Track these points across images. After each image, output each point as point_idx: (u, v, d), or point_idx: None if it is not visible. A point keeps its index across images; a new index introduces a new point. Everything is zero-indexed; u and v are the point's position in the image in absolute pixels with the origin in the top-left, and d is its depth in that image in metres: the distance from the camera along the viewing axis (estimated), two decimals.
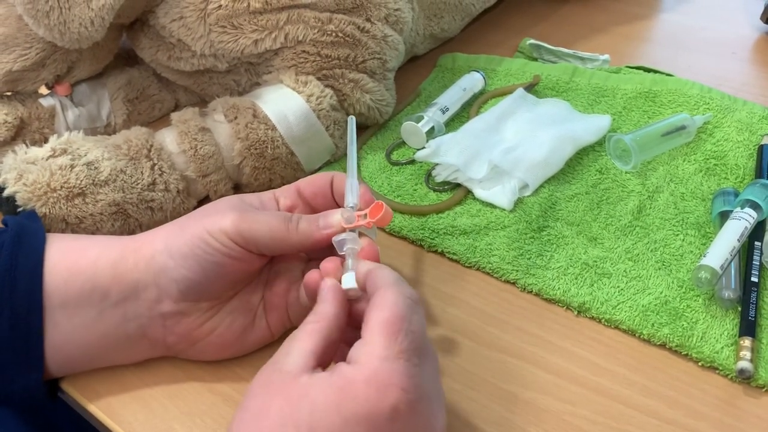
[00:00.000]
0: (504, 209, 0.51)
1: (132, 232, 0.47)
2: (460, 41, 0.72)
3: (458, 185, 0.53)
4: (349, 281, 0.36)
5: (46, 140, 0.47)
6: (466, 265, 0.48)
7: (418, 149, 0.56)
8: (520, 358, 0.42)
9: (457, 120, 0.61)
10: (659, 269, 0.46)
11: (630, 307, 0.44)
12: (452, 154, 0.53)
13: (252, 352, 0.42)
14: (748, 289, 0.43)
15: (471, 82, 0.62)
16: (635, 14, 0.78)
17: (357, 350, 0.31)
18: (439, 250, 0.49)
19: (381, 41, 0.55)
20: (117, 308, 0.38)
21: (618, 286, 0.45)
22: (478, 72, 0.63)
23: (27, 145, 0.48)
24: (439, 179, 0.54)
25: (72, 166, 0.45)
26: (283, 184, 0.44)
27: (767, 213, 0.47)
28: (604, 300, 0.44)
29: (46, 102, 0.56)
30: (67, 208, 0.44)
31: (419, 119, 0.57)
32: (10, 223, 0.40)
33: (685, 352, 0.41)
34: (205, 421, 0.39)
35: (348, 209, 0.39)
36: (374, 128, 0.60)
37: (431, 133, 0.57)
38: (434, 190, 0.54)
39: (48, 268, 0.38)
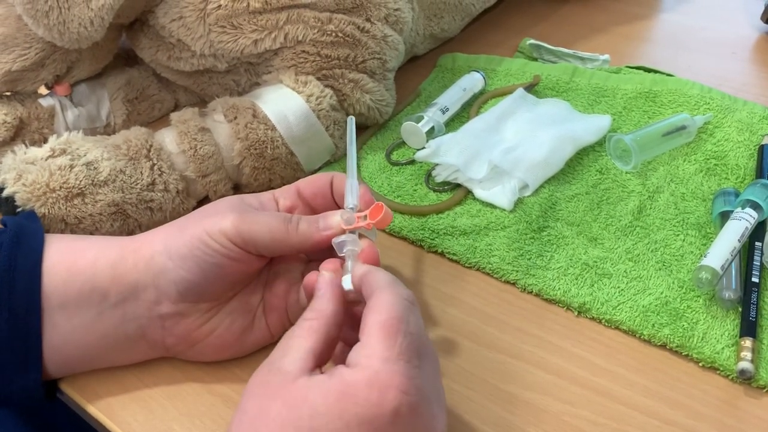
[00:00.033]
0: (504, 209, 0.51)
1: (131, 233, 0.47)
2: (460, 41, 0.72)
3: (458, 185, 0.53)
4: (349, 283, 0.36)
5: (45, 140, 0.47)
6: (466, 265, 0.48)
7: (418, 149, 0.56)
8: (520, 358, 0.42)
9: (457, 120, 0.60)
10: (660, 270, 0.46)
11: (630, 307, 0.43)
12: (452, 154, 0.53)
13: (251, 353, 0.42)
14: (748, 290, 0.43)
15: (471, 82, 0.62)
16: (635, 14, 0.77)
17: (356, 353, 0.31)
18: (439, 250, 0.49)
19: (381, 41, 0.55)
20: (116, 309, 0.38)
21: (618, 287, 0.45)
22: (478, 72, 0.63)
23: (26, 145, 0.48)
24: (439, 179, 0.54)
25: (71, 167, 0.45)
26: (283, 185, 0.44)
27: None
28: (605, 300, 0.44)
29: (46, 102, 0.55)
30: (66, 209, 0.44)
31: (419, 119, 0.57)
32: (9, 223, 0.40)
33: (686, 353, 0.41)
34: (205, 422, 0.39)
35: (348, 211, 0.39)
36: (374, 128, 0.60)
37: (431, 133, 0.57)
38: (434, 191, 0.54)
39: (47, 268, 0.38)
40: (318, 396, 0.30)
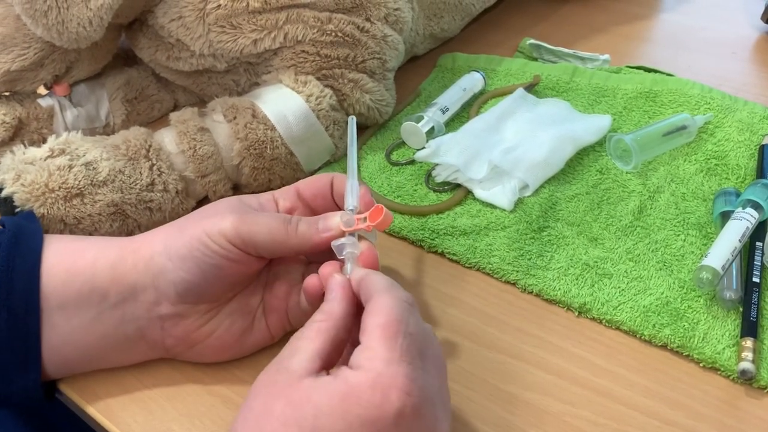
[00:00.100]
0: (504, 209, 0.51)
1: (131, 233, 0.47)
2: (460, 41, 0.72)
3: (458, 185, 0.53)
4: None
5: (44, 140, 0.47)
6: (467, 265, 0.48)
7: (418, 149, 0.56)
8: (520, 358, 0.42)
9: (457, 120, 0.60)
10: (660, 270, 0.46)
11: (631, 307, 0.43)
12: (452, 154, 0.53)
13: (251, 354, 0.42)
14: (749, 290, 0.43)
15: (471, 82, 0.62)
16: (635, 14, 0.77)
17: (358, 355, 0.31)
18: (440, 250, 0.49)
19: (381, 41, 0.55)
20: (115, 310, 0.38)
21: (619, 287, 0.45)
22: (478, 72, 0.63)
23: (25, 146, 0.48)
24: (439, 179, 0.54)
25: (70, 167, 0.45)
26: (283, 185, 0.44)
27: None
28: (605, 301, 0.44)
29: (45, 102, 0.55)
30: (65, 209, 0.44)
31: (419, 119, 0.57)
32: (7, 223, 0.40)
33: (687, 353, 0.41)
34: (204, 422, 0.39)
35: (347, 212, 0.39)
36: (374, 128, 0.60)
37: (431, 133, 0.57)
38: (434, 191, 0.54)
39: (46, 269, 0.38)
40: (322, 397, 0.30)
